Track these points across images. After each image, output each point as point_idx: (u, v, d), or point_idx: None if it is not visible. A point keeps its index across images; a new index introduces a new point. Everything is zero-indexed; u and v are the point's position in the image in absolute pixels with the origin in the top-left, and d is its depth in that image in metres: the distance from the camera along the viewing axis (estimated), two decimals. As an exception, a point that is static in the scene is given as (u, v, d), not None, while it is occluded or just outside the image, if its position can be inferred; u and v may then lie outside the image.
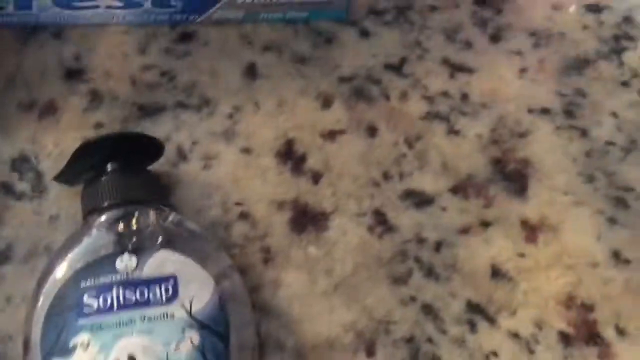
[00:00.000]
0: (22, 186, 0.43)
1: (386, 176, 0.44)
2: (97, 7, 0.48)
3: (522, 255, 0.41)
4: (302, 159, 0.45)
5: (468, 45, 0.48)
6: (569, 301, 0.40)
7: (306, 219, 0.43)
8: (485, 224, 0.42)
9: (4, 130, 0.45)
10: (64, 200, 0.43)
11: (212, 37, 0.49)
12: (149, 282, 0.35)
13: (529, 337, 0.39)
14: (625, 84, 0.47)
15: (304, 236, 0.42)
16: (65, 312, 0.34)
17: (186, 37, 0.49)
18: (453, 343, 0.39)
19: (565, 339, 0.39)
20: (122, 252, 0.35)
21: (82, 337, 0.33)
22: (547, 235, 0.42)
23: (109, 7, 0.48)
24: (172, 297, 0.35)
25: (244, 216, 0.43)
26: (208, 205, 0.43)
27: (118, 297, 0.34)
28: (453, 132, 0.45)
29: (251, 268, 0.41)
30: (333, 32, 0.50)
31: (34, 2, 0.47)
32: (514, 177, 0.44)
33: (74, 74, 0.47)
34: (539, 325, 0.40)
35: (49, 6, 0.47)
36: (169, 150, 0.45)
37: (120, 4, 0.48)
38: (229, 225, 0.42)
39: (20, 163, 0.44)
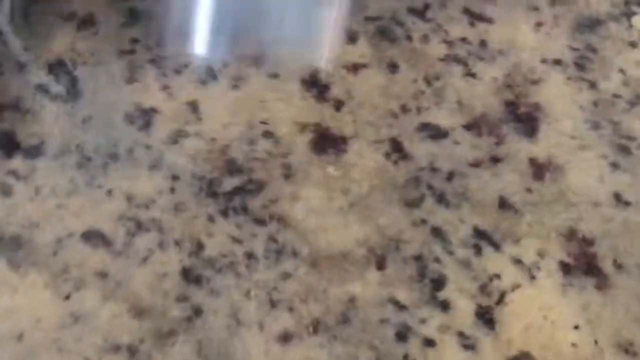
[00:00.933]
0: (58, 89, 0.42)
1: (404, 109, 0.43)
2: None
3: (529, 190, 0.40)
4: (326, 87, 0.43)
5: (488, -3, 0.47)
6: (570, 234, 0.39)
7: (327, 142, 0.41)
8: (496, 160, 0.41)
9: (44, 35, 0.43)
10: (98, 104, 0.41)
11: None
12: None
13: (530, 264, 0.38)
14: (633, 44, 0.46)
15: (323, 157, 0.41)
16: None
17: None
18: (459, 264, 0.38)
19: (565, 268, 0.38)
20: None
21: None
22: (554, 174, 0.41)
23: None
24: None
25: (267, 134, 0.41)
26: (234, 121, 0.42)
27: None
28: (470, 74, 0.44)
29: (272, 182, 0.40)
30: (361, -23, 0.48)
31: None
32: (525, 119, 0.42)
33: (113, -8, 0.46)
34: (541, 254, 0.38)
35: None
36: (200, 70, 0.43)
37: None
38: (254, 141, 0.41)
39: (58, 67, 0.42)
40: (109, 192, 0.39)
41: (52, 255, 0.37)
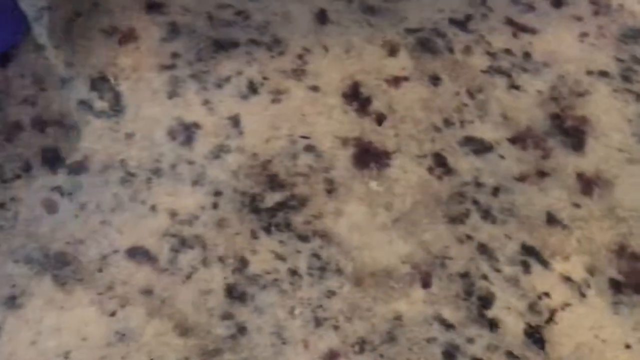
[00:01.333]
0: (101, 104, 0.42)
1: (447, 122, 0.42)
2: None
3: (577, 205, 0.39)
4: (367, 100, 0.43)
5: (531, 8, 0.46)
6: (620, 251, 0.38)
7: (369, 156, 0.41)
8: (542, 174, 0.40)
9: (86, 50, 0.43)
10: (140, 121, 0.41)
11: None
12: None
13: (580, 282, 0.37)
14: (681, 55, 0.45)
15: (366, 171, 0.40)
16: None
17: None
18: (507, 282, 0.37)
19: (615, 285, 0.37)
20: None
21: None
22: (602, 189, 0.39)
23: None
24: None
25: (309, 148, 0.41)
26: (276, 135, 0.41)
27: None
28: (514, 86, 0.43)
29: (314, 197, 0.39)
30: (400, -12, 0.47)
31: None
32: (572, 132, 0.41)
33: (154, 7, 0.45)
34: (590, 271, 0.37)
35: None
36: (241, 83, 0.43)
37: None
38: (295, 155, 0.40)
39: (101, 83, 0.42)
40: (153, 208, 0.39)
41: (97, 272, 0.37)
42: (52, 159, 0.40)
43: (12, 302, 0.36)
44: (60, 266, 0.37)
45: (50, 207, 0.38)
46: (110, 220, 0.38)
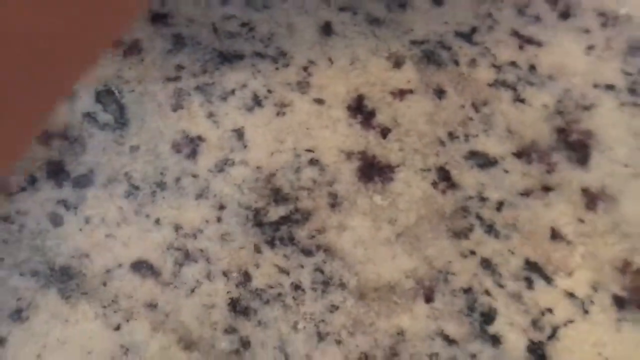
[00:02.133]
0: (106, 117, 0.43)
1: (452, 136, 0.44)
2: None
3: (581, 220, 0.41)
4: (372, 113, 0.44)
5: (537, 20, 0.48)
6: (624, 267, 0.39)
7: (373, 170, 0.42)
8: (547, 189, 0.42)
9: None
10: (144, 134, 0.43)
11: (290, -6, 0.49)
12: None
13: (584, 298, 0.39)
14: (689, 68, 0.46)
15: (370, 185, 0.42)
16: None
17: (265, -7, 0.49)
18: (510, 297, 0.39)
19: (619, 302, 0.38)
20: None
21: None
22: (607, 204, 0.41)
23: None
24: None
25: (313, 162, 0.43)
26: (280, 149, 0.43)
27: None
28: (519, 100, 0.45)
29: (318, 210, 0.41)
30: (406, -1, 0.49)
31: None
32: (577, 146, 0.43)
33: (159, 18, 0.47)
34: (594, 287, 0.39)
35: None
36: (245, 96, 0.45)
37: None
38: (299, 169, 0.42)
39: (105, 95, 0.44)
40: (157, 222, 0.40)
41: (101, 286, 0.39)
42: (57, 172, 0.42)
43: (18, 315, 0.38)
44: (65, 279, 0.39)
45: (56, 221, 0.40)
46: (115, 233, 0.40)
